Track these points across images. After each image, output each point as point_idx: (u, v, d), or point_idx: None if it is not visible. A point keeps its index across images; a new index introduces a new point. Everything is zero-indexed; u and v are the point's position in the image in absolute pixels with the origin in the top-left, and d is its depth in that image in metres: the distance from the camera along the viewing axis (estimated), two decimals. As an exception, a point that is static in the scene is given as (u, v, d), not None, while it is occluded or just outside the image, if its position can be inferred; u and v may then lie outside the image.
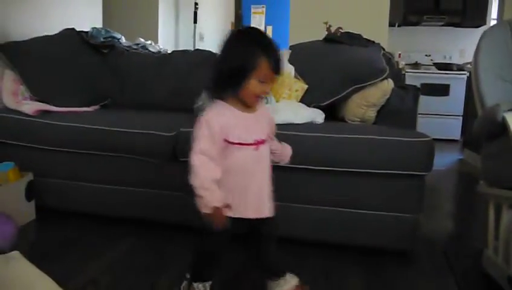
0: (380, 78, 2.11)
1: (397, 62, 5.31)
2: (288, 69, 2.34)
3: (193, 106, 2.38)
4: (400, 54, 5.67)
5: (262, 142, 1.40)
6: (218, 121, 1.34)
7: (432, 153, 1.87)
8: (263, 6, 7.79)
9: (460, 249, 2.18)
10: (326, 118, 2.21)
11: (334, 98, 2.22)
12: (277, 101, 2.22)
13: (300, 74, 2.35)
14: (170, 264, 1.87)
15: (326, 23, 4.19)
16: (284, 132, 1.93)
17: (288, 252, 1.91)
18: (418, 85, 5.50)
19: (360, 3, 4.43)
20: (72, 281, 1.67)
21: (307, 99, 2.26)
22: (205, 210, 1.30)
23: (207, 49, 2.97)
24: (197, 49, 3.14)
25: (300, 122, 2.04)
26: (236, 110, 1.37)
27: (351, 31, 2.76)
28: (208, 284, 1.53)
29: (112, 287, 1.68)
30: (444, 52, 5.89)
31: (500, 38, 2.00)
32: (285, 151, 1.57)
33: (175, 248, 2.03)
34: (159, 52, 3.16)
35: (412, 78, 5.45)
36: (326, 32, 3.74)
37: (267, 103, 2.19)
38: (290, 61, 2.42)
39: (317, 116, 2.12)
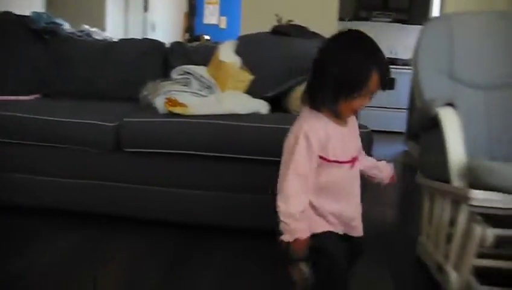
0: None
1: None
2: (235, 59, 2.34)
3: (138, 96, 2.34)
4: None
5: (356, 158, 1.26)
6: (317, 136, 1.16)
7: (370, 143, 1.93)
8: (216, -1, 7.73)
9: (398, 238, 2.27)
10: (272, 109, 2.22)
11: (279, 90, 2.24)
12: (222, 91, 2.22)
13: (247, 64, 2.35)
14: (115, 256, 1.85)
15: (277, 15, 4.22)
16: (227, 122, 1.95)
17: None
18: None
19: (309, -1, 4.48)
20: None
21: (252, 90, 2.27)
22: (287, 239, 1.14)
23: (158, 38, 2.92)
24: (145, 38, 3.08)
25: (244, 112, 2.05)
26: (332, 123, 1.19)
27: (298, 24, 2.79)
28: None
29: (57, 276, 1.66)
30: (391, 47, 6.07)
31: (439, 33, 2.07)
32: (384, 171, 1.45)
33: (119, 239, 2.00)
34: (105, 40, 3.07)
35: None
36: (278, 24, 3.76)
37: (210, 93, 2.19)
38: (237, 52, 2.41)
39: (261, 107, 2.13)
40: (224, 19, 7.60)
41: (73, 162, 2.13)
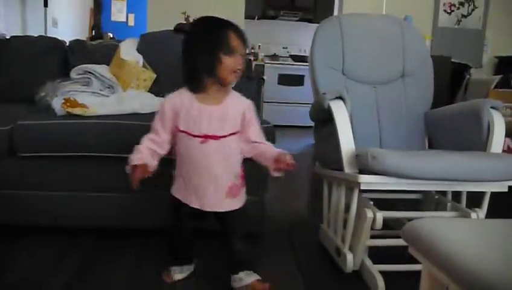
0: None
1: (257, 53, 5.55)
2: (137, 58, 2.31)
3: (35, 97, 2.23)
4: (259, 46, 5.92)
5: (214, 137, 1.42)
6: (171, 105, 1.44)
7: (273, 138, 2.00)
8: (124, -6, 7.49)
9: (304, 226, 2.38)
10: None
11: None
12: (124, 91, 2.18)
13: (150, 63, 2.33)
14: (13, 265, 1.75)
15: (184, 13, 4.20)
16: (128, 121, 1.92)
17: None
18: (276, 76, 5.88)
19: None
20: None
21: (155, 89, 2.25)
22: (127, 169, 1.41)
23: (61, 35, 2.78)
24: (41, 36, 2.92)
25: (146, 112, 2.02)
26: (192, 99, 1.43)
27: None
28: (186, 268, 1.63)
29: None
30: (299, 45, 6.31)
31: (331, 33, 2.21)
32: (264, 154, 1.54)
33: (17, 249, 1.89)
34: (-4, 37, 2.87)
35: (271, 69, 5.75)
36: (185, 23, 3.75)
37: (112, 92, 2.14)
38: (139, 50, 2.38)
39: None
40: (132, 16, 7.40)
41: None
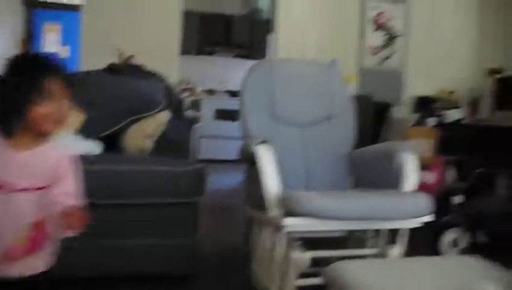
0: (156, 111, 2.23)
1: (192, 89, 5.62)
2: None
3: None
4: (195, 82, 6.00)
5: (16, 189, 1.17)
6: None
7: (202, 179, 2.03)
8: (58, 24, 7.33)
9: (235, 265, 2.41)
10: (107, 148, 2.21)
11: (112, 130, 2.25)
12: (51, 133, 2.13)
13: (80, 104, 2.30)
14: None
15: (119, 50, 4.21)
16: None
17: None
18: (213, 110, 5.96)
19: (152, 32, 4.57)
20: None
21: (84, 131, 2.23)
22: None
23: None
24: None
25: (78, 153, 1.99)
26: (7, 148, 1.18)
27: (134, 63, 2.84)
28: None
29: None
30: (236, 80, 6.44)
31: (261, 76, 2.32)
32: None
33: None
34: None
35: (208, 104, 5.84)
36: (117, 61, 3.76)
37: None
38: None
39: (93, 147, 2.11)
40: (67, 48, 7.23)
41: None
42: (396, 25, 4.94)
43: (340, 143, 2.35)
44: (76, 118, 2.28)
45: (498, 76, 3.93)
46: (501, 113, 3.79)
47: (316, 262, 2.02)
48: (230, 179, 4.94)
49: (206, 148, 5.50)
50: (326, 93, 2.39)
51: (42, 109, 1.16)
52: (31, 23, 7.21)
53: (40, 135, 1.21)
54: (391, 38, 4.94)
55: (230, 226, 3.29)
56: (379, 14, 4.90)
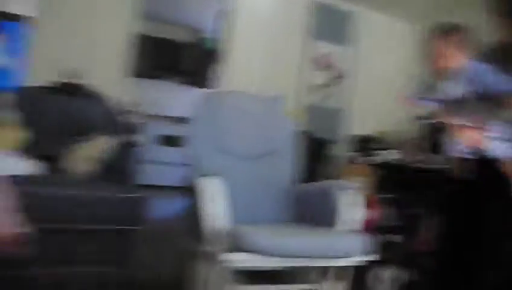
0: (98, 134, 2.21)
1: (137, 112, 5.54)
2: (11, 115, 2.21)
3: None
4: (140, 106, 5.94)
5: None
6: None
7: (140, 208, 2.02)
8: (2, 35, 7.02)
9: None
10: (50, 169, 2.15)
11: (55, 151, 2.20)
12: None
13: (22, 121, 2.24)
14: None
15: (66, 69, 4.08)
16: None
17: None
18: (157, 136, 5.90)
19: (100, 52, 4.50)
20: None
21: (26, 150, 2.16)
22: None
23: None
24: None
25: (14, 173, 1.92)
26: None
27: (79, 82, 2.80)
28: None
29: None
30: (181, 106, 6.45)
31: (210, 110, 2.36)
32: None
33: None
34: None
35: (152, 129, 5.78)
36: (62, 79, 3.66)
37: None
38: (17, 106, 2.28)
39: (34, 168, 2.04)
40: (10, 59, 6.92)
41: None
42: (343, 65, 5.20)
43: (282, 177, 2.42)
44: (13, 135, 2.21)
45: (424, 122, 4.20)
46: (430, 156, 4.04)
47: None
48: (172, 206, 4.86)
49: (149, 174, 5.40)
50: (270, 127, 2.47)
51: None
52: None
53: None
54: (337, 77, 5.18)
55: (169, 255, 3.23)
56: (326, 55, 5.14)
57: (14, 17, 6.09)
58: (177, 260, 3.20)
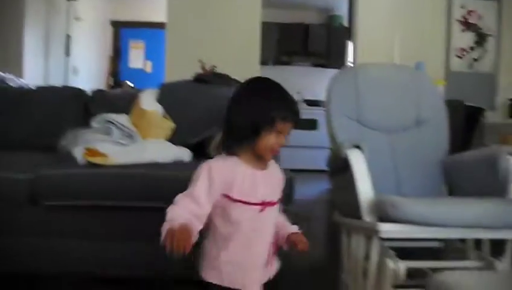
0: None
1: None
2: (157, 107, 2.37)
3: (57, 146, 2.28)
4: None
5: (270, 204, 1.28)
6: (222, 172, 1.23)
7: (291, 187, 2.00)
8: (142, 42, 7.77)
9: (322, 276, 2.34)
10: (195, 156, 2.26)
11: (201, 137, 2.29)
12: (144, 140, 2.22)
13: (169, 113, 2.39)
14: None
15: (201, 61, 4.33)
16: (148, 171, 1.95)
17: None
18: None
19: (233, 43, 4.66)
20: None
21: (175, 138, 2.30)
22: (162, 239, 1.14)
23: (81, 84, 2.89)
24: (65, 86, 3.03)
25: (166, 160, 2.06)
26: (243, 164, 1.25)
27: (219, 72, 2.90)
28: None
29: None
30: (313, 89, 6.40)
31: (346, 83, 2.25)
32: (278, 232, 1.37)
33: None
34: (21, 87, 2.98)
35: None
36: (201, 71, 3.86)
37: (132, 141, 2.18)
38: (159, 100, 2.45)
39: (183, 154, 2.16)
40: (149, 63, 7.62)
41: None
42: (487, 23, 4.63)
43: (431, 149, 2.21)
44: (166, 126, 2.36)
45: None
46: None
47: (410, 274, 1.91)
48: (309, 190, 4.88)
49: (283, 158, 5.48)
50: (413, 97, 2.27)
51: (267, 141, 1.23)
52: (118, 41, 7.72)
53: (257, 161, 1.28)
54: (481, 38, 4.63)
55: (313, 237, 3.21)
56: (468, 13, 4.62)
57: (150, 25, 6.66)
58: (321, 240, 3.18)
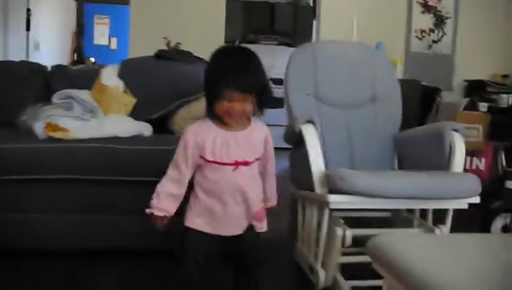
0: (203, 94, 2.28)
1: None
2: (118, 83, 2.39)
3: (17, 121, 2.28)
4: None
5: (243, 163, 1.38)
6: (194, 136, 1.36)
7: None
8: (107, 17, 7.61)
9: (280, 245, 2.45)
10: (157, 131, 2.30)
11: (161, 112, 2.34)
12: (105, 115, 2.25)
13: (130, 88, 2.41)
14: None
15: (165, 38, 4.32)
16: (108, 145, 1.99)
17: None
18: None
19: (198, 21, 4.65)
20: None
21: (136, 113, 2.33)
22: (148, 211, 1.40)
23: (43, 60, 2.85)
24: (23, 61, 2.99)
25: (126, 135, 2.10)
26: (216, 128, 1.36)
27: (182, 48, 2.91)
28: None
29: None
30: (279, 68, 6.42)
31: (304, 58, 2.33)
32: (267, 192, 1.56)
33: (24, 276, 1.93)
34: (-22, 62, 2.92)
35: (252, 92, 5.87)
36: (166, 48, 3.86)
37: (93, 116, 2.20)
38: (120, 76, 2.46)
39: (144, 129, 2.20)
40: (114, 39, 7.49)
41: None
42: (446, 6, 4.77)
43: (385, 125, 2.32)
44: (127, 101, 2.39)
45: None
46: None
47: (359, 243, 2.04)
48: (278, 166, 4.97)
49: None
50: (369, 74, 2.36)
51: (222, 106, 1.33)
52: (82, 17, 7.54)
53: (223, 122, 1.37)
54: (440, 20, 4.78)
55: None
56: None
57: (115, 1, 6.54)
58: (283, 213, 3.28)
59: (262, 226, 1.49)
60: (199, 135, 1.36)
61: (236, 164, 1.37)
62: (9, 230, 2.01)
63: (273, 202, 1.61)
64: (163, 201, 1.39)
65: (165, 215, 1.40)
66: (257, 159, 1.44)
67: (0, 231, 2.00)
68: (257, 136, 1.45)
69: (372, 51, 2.59)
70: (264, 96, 1.39)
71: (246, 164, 1.39)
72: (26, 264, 2.00)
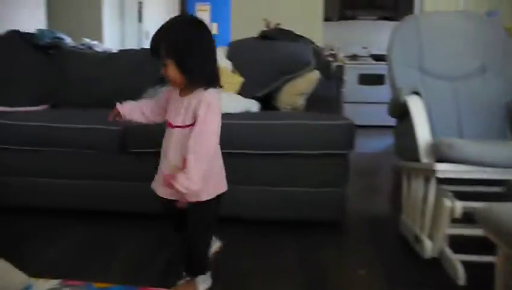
0: (306, 70, 2.36)
1: (336, 54, 5.65)
2: (226, 64, 2.55)
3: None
4: (338, 48, 6.01)
5: (181, 126, 1.49)
6: (165, 96, 1.62)
7: (352, 134, 2.12)
8: (207, 4, 7.94)
9: (383, 218, 2.47)
10: (262, 108, 2.43)
11: (267, 90, 2.45)
12: (216, 94, 2.42)
13: (237, 68, 2.56)
14: (121, 249, 2.02)
15: (265, 20, 4.44)
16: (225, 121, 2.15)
17: (234, 230, 2.13)
18: (357, 76, 5.93)
19: (296, 1, 4.70)
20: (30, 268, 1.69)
21: (243, 91, 2.48)
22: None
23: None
24: (142, 48, 3.28)
25: (236, 111, 2.25)
26: (176, 92, 1.55)
27: (284, 28, 3.00)
28: None
29: (69, 273, 1.75)
30: (380, 44, 6.25)
31: (408, 31, 2.30)
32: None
33: (124, 233, 2.18)
34: (105, 51, 3.28)
35: (351, 70, 5.81)
36: (266, 29, 3.98)
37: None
38: (228, 57, 2.63)
39: (252, 105, 2.34)
40: (215, 25, 7.81)
41: (82, 164, 2.32)
42: None
43: (496, 95, 2.21)
44: (236, 80, 2.54)
45: None
46: None
47: (468, 218, 1.98)
48: (374, 144, 4.92)
49: (349, 114, 5.51)
50: (478, 44, 2.26)
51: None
52: (185, 5, 7.95)
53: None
54: None
55: (376, 186, 3.33)
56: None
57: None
58: (384, 189, 3.28)
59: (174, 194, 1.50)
60: (168, 96, 1.60)
61: (172, 125, 1.52)
62: (128, 196, 2.28)
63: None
64: (132, 105, 1.65)
65: (119, 113, 1.63)
66: (188, 126, 1.48)
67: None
68: (193, 103, 1.47)
69: (481, 19, 2.46)
70: (183, 63, 1.43)
71: (179, 127, 1.50)
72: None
